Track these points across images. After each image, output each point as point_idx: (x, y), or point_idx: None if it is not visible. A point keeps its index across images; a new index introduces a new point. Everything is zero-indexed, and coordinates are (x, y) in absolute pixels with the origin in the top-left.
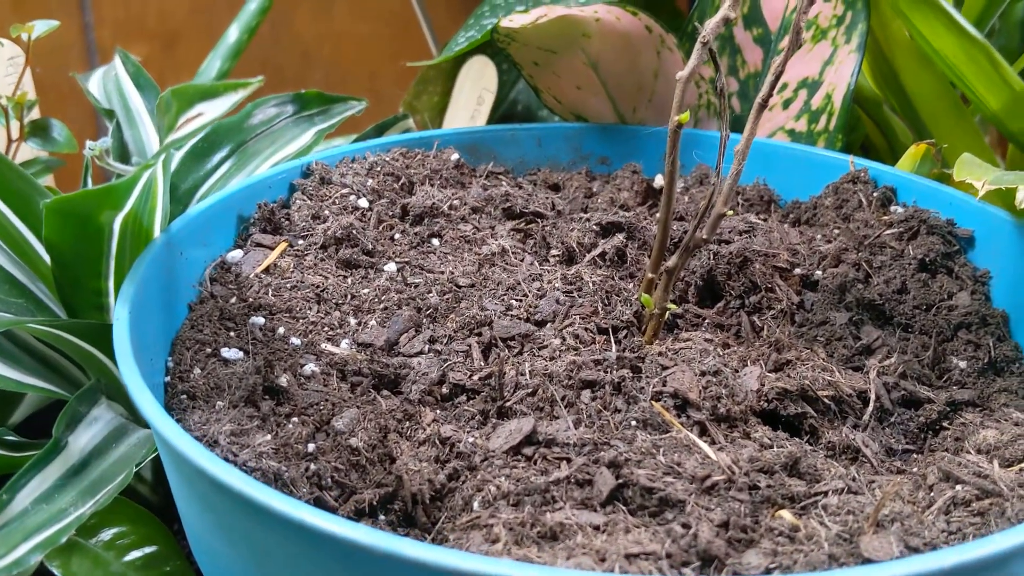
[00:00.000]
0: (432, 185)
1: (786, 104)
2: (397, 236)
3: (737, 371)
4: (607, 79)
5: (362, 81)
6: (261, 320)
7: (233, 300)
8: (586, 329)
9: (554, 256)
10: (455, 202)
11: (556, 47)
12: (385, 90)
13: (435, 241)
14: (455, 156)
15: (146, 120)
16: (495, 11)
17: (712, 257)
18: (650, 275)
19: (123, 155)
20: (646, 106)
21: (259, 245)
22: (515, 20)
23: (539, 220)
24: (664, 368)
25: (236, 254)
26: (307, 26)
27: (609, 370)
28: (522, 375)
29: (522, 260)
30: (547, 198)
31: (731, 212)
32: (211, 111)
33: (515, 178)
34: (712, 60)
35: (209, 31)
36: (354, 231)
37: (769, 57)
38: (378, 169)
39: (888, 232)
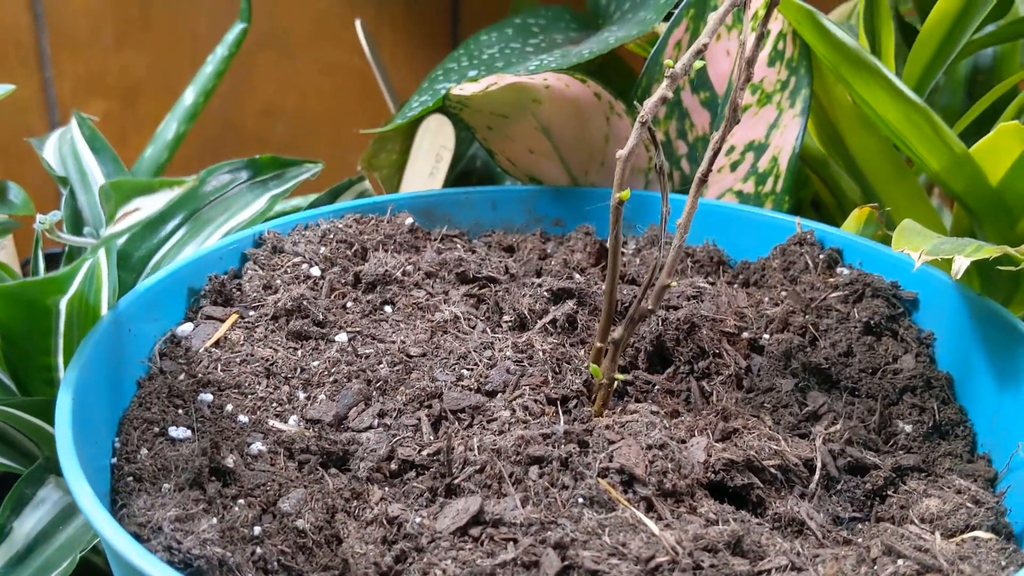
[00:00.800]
0: (386, 251)
1: (734, 166)
2: (349, 304)
3: (684, 442)
4: (559, 143)
5: (325, 134)
6: (209, 397)
7: (182, 376)
8: (535, 400)
9: (506, 322)
10: (408, 267)
11: (508, 112)
12: (349, 143)
13: (388, 308)
14: (409, 220)
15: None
16: (448, 75)
17: (661, 323)
18: (598, 344)
19: (76, 223)
20: (598, 169)
21: (209, 318)
22: (465, 89)
23: (492, 285)
24: (611, 443)
25: (186, 327)
26: (268, 79)
27: (557, 445)
28: (471, 450)
29: (474, 327)
30: (501, 261)
31: (675, 283)
32: (148, 206)
33: (470, 240)
34: (652, 139)
35: (170, 87)
36: (305, 302)
37: (716, 120)
38: (331, 236)
39: (834, 295)
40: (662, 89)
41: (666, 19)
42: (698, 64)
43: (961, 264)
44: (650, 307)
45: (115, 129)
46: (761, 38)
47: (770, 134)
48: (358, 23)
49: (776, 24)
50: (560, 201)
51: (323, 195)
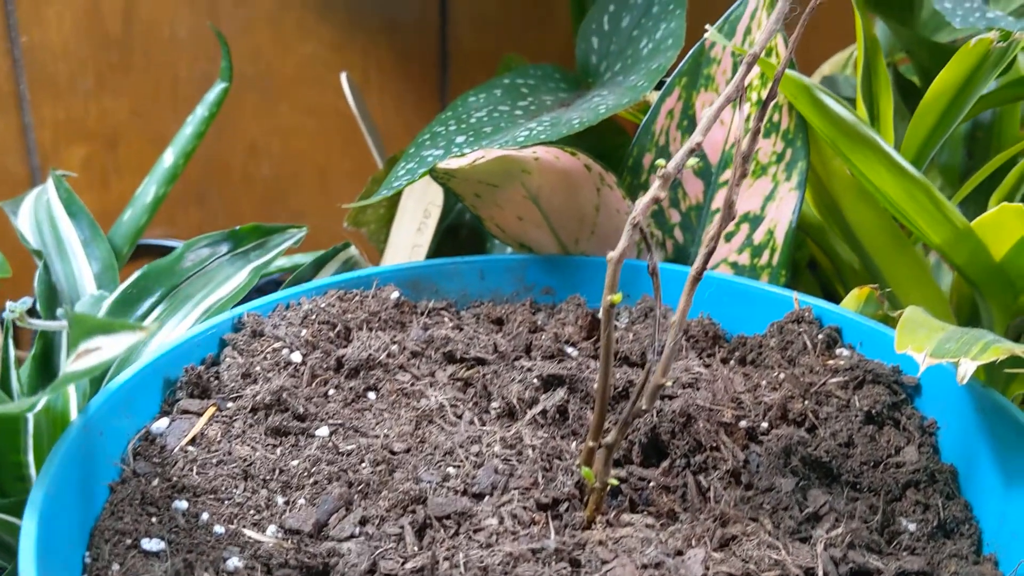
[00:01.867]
0: (370, 329)
1: (728, 237)
2: (331, 392)
3: (681, 554)
4: (548, 212)
5: (312, 174)
6: (184, 504)
7: (156, 481)
8: (525, 507)
9: (495, 409)
10: (393, 347)
11: (496, 181)
12: (335, 184)
13: (371, 395)
14: (395, 295)
15: (78, 253)
16: (435, 139)
17: (656, 415)
18: (591, 443)
19: (51, 299)
20: (589, 238)
21: (186, 412)
22: (452, 163)
23: (480, 366)
24: (604, 562)
25: (162, 423)
26: (253, 121)
27: (547, 563)
28: (456, 567)
29: (461, 416)
30: (489, 338)
31: (669, 383)
32: (109, 347)
33: (458, 313)
34: (644, 241)
35: (151, 130)
36: (285, 394)
37: (709, 189)
38: (313, 317)
39: (833, 380)
40: (654, 189)
41: (658, 87)
42: (691, 163)
43: (967, 369)
44: (644, 407)
45: (97, 173)
46: (757, 134)
47: (766, 206)
48: (343, 76)
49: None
50: (550, 270)
51: (306, 267)
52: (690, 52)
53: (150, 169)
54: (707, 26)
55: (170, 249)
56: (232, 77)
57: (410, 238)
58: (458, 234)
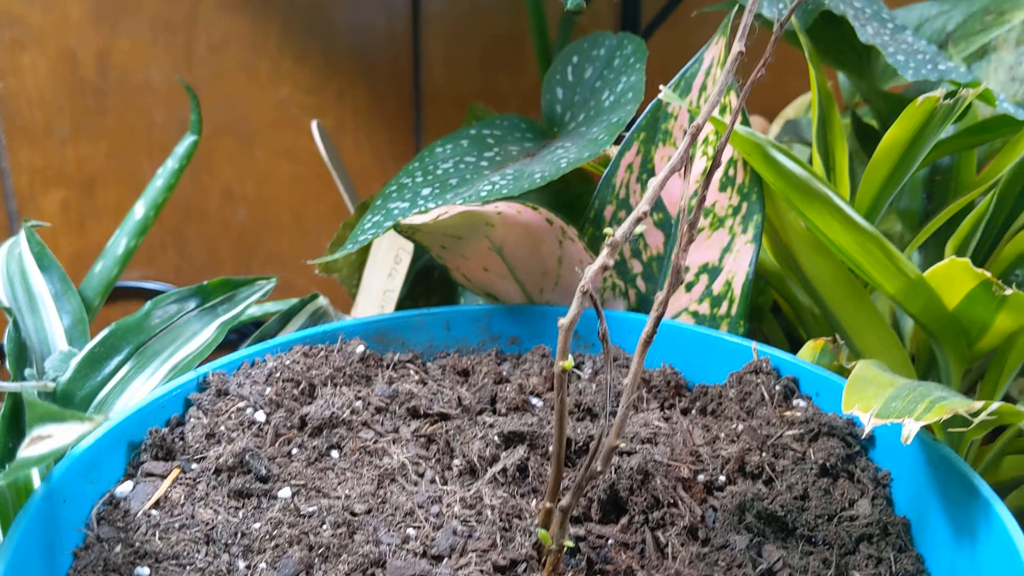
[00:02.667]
0: (335, 385)
1: (689, 287)
2: (294, 451)
3: None
4: (513, 263)
5: (287, 216)
6: (146, 571)
7: (119, 548)
8: (482, 570)
9: (457, 466)
10: (357, 404)
11: (461, 234)
12: (309, 226)
13: (334, 453)
14: (360, 348)
15: (49, 306)
16: (402, 191)
17: (615, 471)
18: (548, 504)
19: (20, 357)
20: (553, 288)
21: (150, 475)
22: (415, 220)
23: (444, 421)
24: None
25: (126, 487)
26: (228, 166)
27: None
28: None
29: (423, 475)
30: (453, 392)
31: (624, 443)
32: (60, 435)
33: (424, 364)
34: (594, 306)
35: (127, 175)
36: (248, 455)
37: (669, 241)
38: (277, 375)
39: (790, 432)
40: (603, 257)
41: (618, 141)
42: (639, 229)
43: (911, 430)
44: (599, 469)
45: (74, 218)
46: (702, 202)
47: (723, 258)
48: (314, 124)
49: (726, 149)
50: (516, 320)
51: (273, 321)
52: (648, 107)
53: (126, 213)
54: (661, 86)
55: (147, 291)
56: (202, 130)
57: (382, 283)
58: (430, 276)
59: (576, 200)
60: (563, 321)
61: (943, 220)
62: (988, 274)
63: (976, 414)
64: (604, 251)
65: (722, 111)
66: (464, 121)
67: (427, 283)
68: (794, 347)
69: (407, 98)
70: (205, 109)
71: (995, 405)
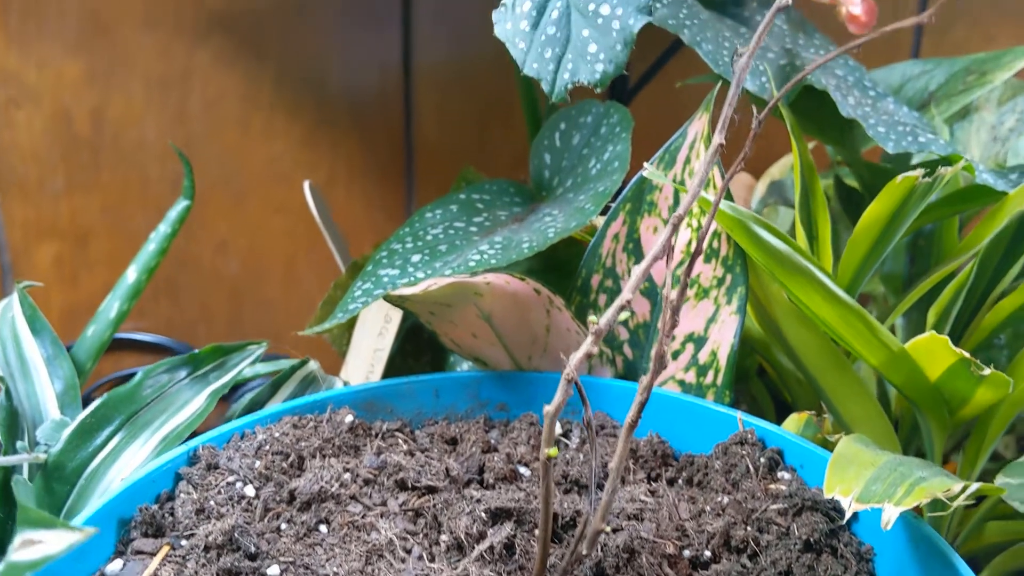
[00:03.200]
0: (324, 457)
1: (675, 355)
2: (283, 527)
3: None
4: (501, 331)
5: (280, 269)
6: None
7: None
8: None
9: (444, 542)
10: (346, 476)
11: (450, 302)
12: (302, 279)
13: (323, 528)
14: (349, 418)
15: (41, 371)
16: (392, 257)
17: (601, 549)
18: None
19: (12, 426)
20: (541, 355)
21: (140, 552)
22: (404, 291)
23: (431, 495)
24: None
25: (116, 566)
26: (222, 219)
27: None
28: None
29: (410, 551)
30: (441, 463)
31: (608, 528)
32: (51, 542)
33: (412, 432)
34: (578, 394)
35: (121, 228)
36: (236, 532)
37: (655, 309)
38: (267, 448)
39: (774, 507)
40: (587, 345)
41: (604, 211)
42: (623, 316)
43: (891, 515)
44: (584, 552)
45: (67, 271)
46: (685, 288)
47: (708, 327)
48: (306, 184)
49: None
50: (504, 386)
51: (264, 389)
52: (635, 177)
53: (119, 266)
54: (645, 163)
55: (139, 343)
56: (194, 194)
57: (372, 342)
58: (420, 335)
59: (564, 263)
60: (548, 409)
61: (925, 289)
62: (967, 354)
63: (954, 497)
64: (589, 339)
65: (706, 187)
66: (454, 183)
67: (417, 342)
68: (780, 409)
69: (399, 152)
70: (199, 163)
71: (974, 487)
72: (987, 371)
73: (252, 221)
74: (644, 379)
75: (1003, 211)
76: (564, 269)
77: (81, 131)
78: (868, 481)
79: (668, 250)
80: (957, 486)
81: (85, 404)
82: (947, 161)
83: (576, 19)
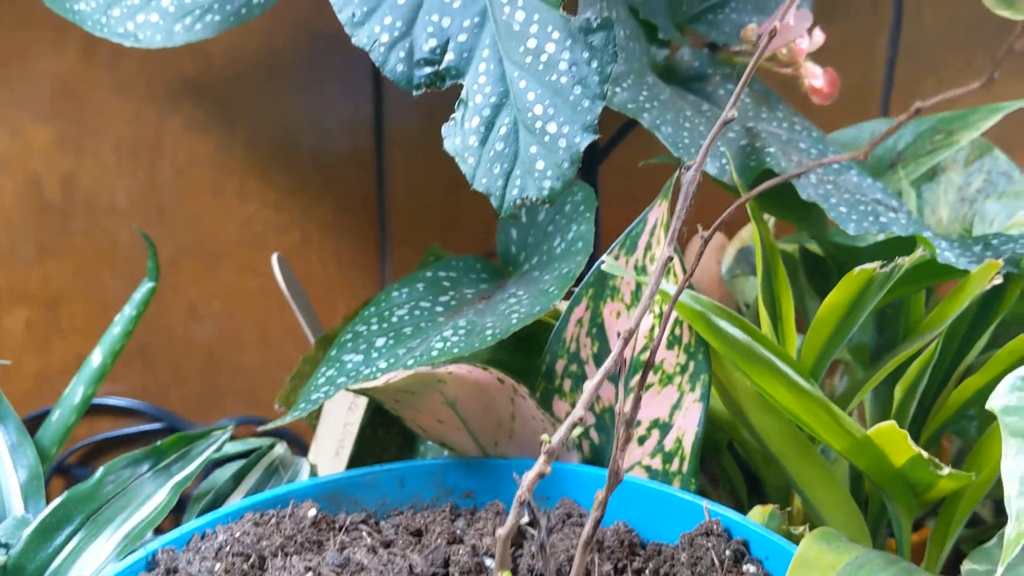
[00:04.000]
0: (286, 555)
1: (641, 441)
2: None
3: None
4: (466, 418)
5: (254, 332)
6: None
7: None
8: None
9: None
10: None
11: (413, 390)
12: (276, 339)
13: None
14: (312, 512)
15: (5, 460)
16: (356, 341)
17: None
18: None
19: None
20: (507, 441)
21: None
22: (366, 384)
23: None
24: None
25: None
26: (194, 284)
27: None
28: None
29: None
30: (404, 560)
31: None
32: None
33: (377, 523)
34: (532, 515)
35: (93, 293)
36: None
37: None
38: (227, 550)
39: None
40: (539, 465)
41: (567, 296)
42: (577, 431)
43: None
44: None
45: (38, 336)
46: (638, 401)
47: (673, 414)
48: (274, 258)
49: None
50: (470, 473)
51: (226, 481)
52: (597, 262)
53: (92, 332)
54: (605, 256)
55: (111, 408)
56: (158, 275)
57: (342, 417)
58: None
59: (532, 335)
60: (500, 532)
61: (891, 368)
62: (924, 453)
63: None
64: (541, 458)
65: (667, 275)
66: (422, 257)
67: (387, 414)
68: (750, 481)
69: (372, 213)
70: (170, 228)
71: None
72: (945, 471)
73: (225, 284)
74: (600, 493)
75: (965, 290)
76: (532, 340)
77: (52, 197)
78: None
79: (621, 364)
80: None
81: (58, 472)
82: (910, 243)
83: (524, 136)
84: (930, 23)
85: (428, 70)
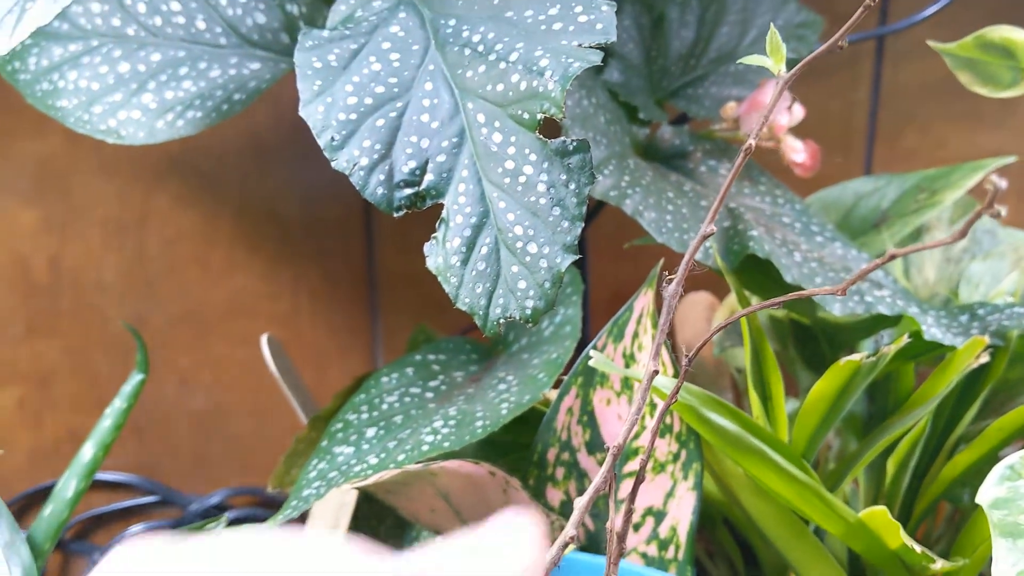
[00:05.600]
0: None
1: (636, 527)
2: None
3: None
4: (460, 508)
5: (245, 403)
6: None
7: None
8: None
9: None
10: None
11: (406, 481)
12: (271, 409)
13: None
14: None
15: None
16: (347, 431)
17: None
18: None
19: None
20: None
21: None
22: (358, 483)
23: None
24: None
25: None
26: (184, 355)
27: None
28: None
29: None
30: None
31: None
32: None
33: None
34: None
35: (83, 369)
36: None
37: (616, 478)
38: None
39: None
40: None
41: (557, 384)
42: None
43: None
44: None
45: (30, 414)
46: (631, 510)
47: (667, 502)
48: (263, 339)
49: (661, 400)
50: None
51: None
52: (586, 350)
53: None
54: (592, 351)
55: (104, 483)
56: (148, 368)
57: (338, 496)
58: None
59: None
60: None
61: (883, 447)
62: (918, 548)
63: None
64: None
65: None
66: (409, 344)
67: None
68: (747, 555)
69: (361, 278)
70: (159, 300)
71: None
72: (939, 564)
73: (216, 355)
74: None
75: (952, 367)
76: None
77: (39, 278)
78: None
79: (611, 480)
80: None
81: (57, 547)
82: (896, 318)
83: (505, 256)
84: (908, 79)
85: (408, 191)
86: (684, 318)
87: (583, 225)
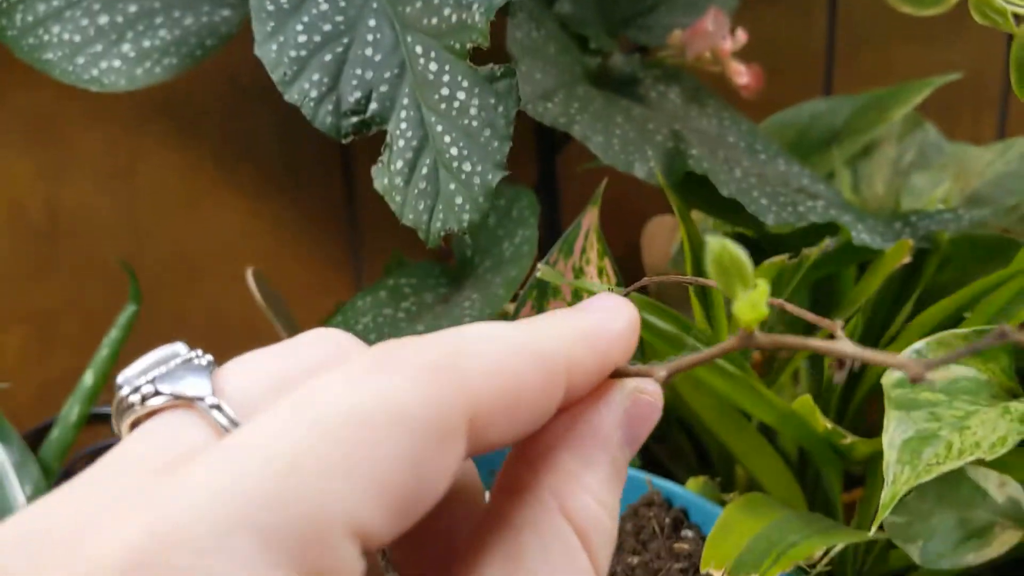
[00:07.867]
0: None
1: None
2: None
3: None
4: None
5: (240, 338)
6: None
7: None
8: None
9: None
10: None
11: None
12: (265, 342)
13: None
14: None
15: (11, 476)
16: None
17: None
18: None
19: None
20: None
21: None
22: None
23: None
24: None
25: None
26: (177, 294)
27: None
28: None
29: None
30: None
31: None
32: None
33: None
34: None
35: (84, 309)
36: None
37: None
38: None
39: (677, 566)
40: None
41: (514, 298)
42: None
43: None
44: None
45: (34, 352)
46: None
47: None
48: (249, 272)
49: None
50: None
51: None
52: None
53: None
54: (540, 264)
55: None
56: (140, 298)
57: None
58: None
59: None
60: None
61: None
62: (829, 424)
63: (814, 564)
64: None
65: (599, 273)
66: (385, 268)
67: None
68: (699, 450)
69: (342, 212)
70: (152, 242)
71: (838, 547)
72: (848, 439)
73: (207, 294)
74: None
75: (880, 269)
76: None
77: (37, 223)
78: (744, 550)
79: None
80: (819, 551)
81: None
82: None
83: (443, 174)
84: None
85: (355, 119)
86: (652, 239)
87: (511, 144)
